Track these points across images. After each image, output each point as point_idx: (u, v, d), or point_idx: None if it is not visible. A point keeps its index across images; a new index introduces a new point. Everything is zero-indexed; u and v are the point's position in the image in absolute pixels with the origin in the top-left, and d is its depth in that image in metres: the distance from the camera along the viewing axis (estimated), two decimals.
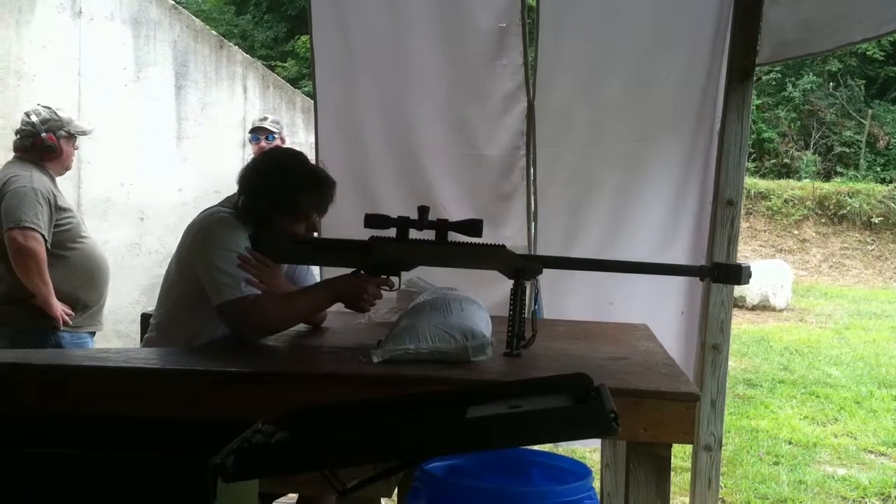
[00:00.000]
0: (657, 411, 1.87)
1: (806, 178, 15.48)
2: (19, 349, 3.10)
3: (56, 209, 3.65)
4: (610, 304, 3.54)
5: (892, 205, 14.10)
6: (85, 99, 5.51)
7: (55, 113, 3.76)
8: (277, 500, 2.71)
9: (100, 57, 5.63)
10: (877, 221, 13.97)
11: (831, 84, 17.20)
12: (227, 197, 2.55)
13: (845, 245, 13.79)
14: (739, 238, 3.50)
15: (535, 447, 2.04)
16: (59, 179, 3.83)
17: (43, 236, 3.57)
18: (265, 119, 5.05)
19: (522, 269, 2.30)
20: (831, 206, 14.25)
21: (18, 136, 3.75)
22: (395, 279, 2.44)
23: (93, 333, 3.86)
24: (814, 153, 16.57)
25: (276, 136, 4.95)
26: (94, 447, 1.45)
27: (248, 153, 5.48)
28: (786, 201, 14.29)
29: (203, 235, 2.38)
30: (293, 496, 2.77)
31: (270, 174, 2.45)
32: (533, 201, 3.68)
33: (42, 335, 3.59)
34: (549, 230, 3.66)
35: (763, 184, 14.82)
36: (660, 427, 1.87)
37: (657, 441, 1.89)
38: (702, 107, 3.52)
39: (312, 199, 2.46)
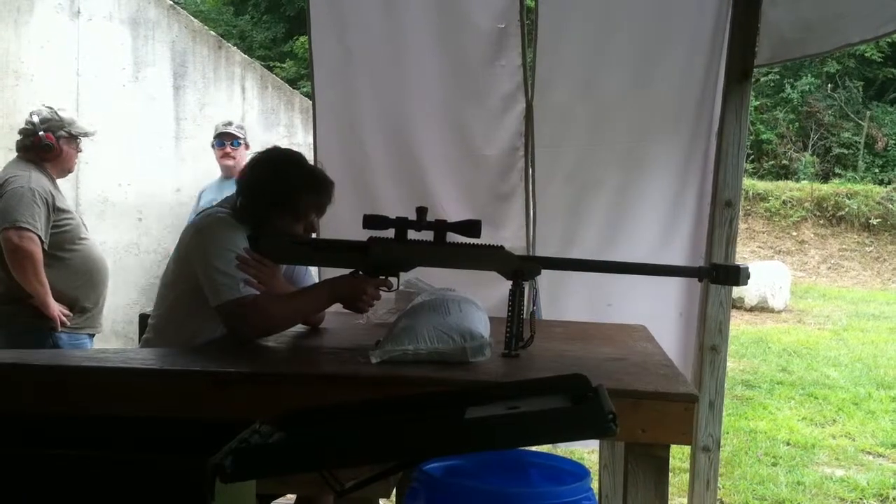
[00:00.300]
0: (655, 412, 1.87)
1: (804, 179, 15.48)
2: (18, 350, 3.09)
3: (54, 210, 3.65)
4: (609, 306, 3.55)
5: (891, 206, 14.11)
6: (83, 99, 5.50)
7: (56, 113, 3.76)
8: (276, 501, 2.70)
9: (98, 57, 5.62)
10: (875, 223, 13.97)
11: (829, 85, 17.20)
12: (226, 197, 2.55)
13: (843, 246, 13.79)
14: (738, 239, 3.50)
15: (534, 448, 2.04)
16: (58, 180, 3.82)
17: (39, 237, 3.56)
18: (229, 124, 4.96)
19: (521, 270, 2.30)
20: (830, 208, 14.26)
21: (21, 135, 3.77)
22: (393, 280, 2.43)
23: (92, 336, 3.85)
24: (812, 154, 16.58)
25: (241, 141, 4.88)
26: (93, 447, 1.45)
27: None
28: (784, 202, 14.30)
29: (201, 236, 2.38)
30: (291, 497, 2.77)
31: (269, 175, 2.45)
32: (531, 202, 3.68)
33: (40, 336, 3.58)
34: (548, 231, 3.66)
35: (761, 185, 14.83)
36: (658, 428, 1.87)
37: (655, 442, 1.89)
38: (700, 108, 3.53)
39: (311, 200, 2.46)
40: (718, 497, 3.79)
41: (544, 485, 2.04)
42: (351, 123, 3.68)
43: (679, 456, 4.32)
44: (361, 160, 3.67)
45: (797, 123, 17.10)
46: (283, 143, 5.54)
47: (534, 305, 2.33)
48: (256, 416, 1.51)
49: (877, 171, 16.22)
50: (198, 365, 2.09)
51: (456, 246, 2.31)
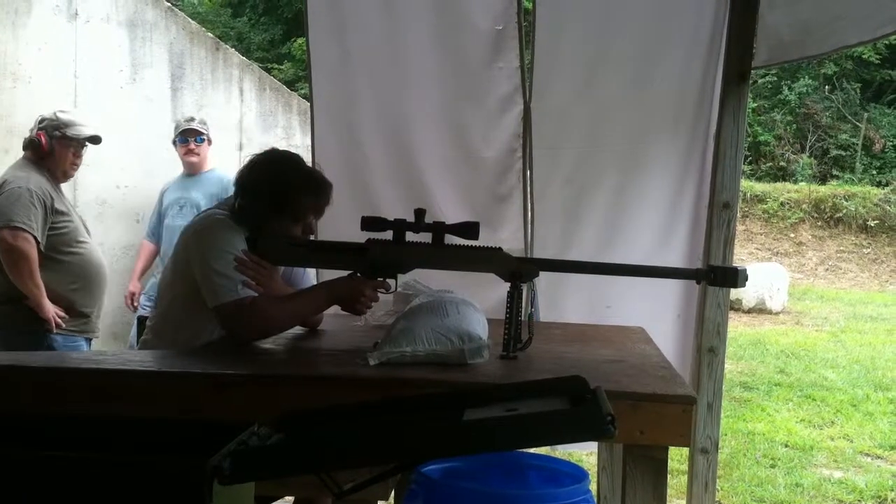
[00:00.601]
0: (654, 414, 1.87)
1: (802, 181, 15.50)
2: (16, 351, 3.09)
3: (52, 212, 3.64)
4: (607, 308, 3.55)
5: (888, 208, 14.12)
6: (81, 101, 5.48)
7: (56, 114, 3.75)
8: (274, 503, 2.70)
9: (96, 59, 5.61)
10: (872, 224, 13.99)
11: (827, 87, 17.23)
12: (224, 199, 2.55)
13: (841, 248, 13.80)
14: (736, 241, 3.50)
15: (532, 450, 2.04)
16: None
17: (35, 237, 3.55)
18: (192, 120, 4.85)
19: (519, 271, 2.30)
20: (827, 210, 14.27)
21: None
22: (391, 282, 2.44)
23: (89, 340, 3.83)
24: (810, 156, 16.60)
25: (204, 137, 4.78)
26: (92, 449, 1.45)
27: (245, 155, 5.46)
28: (782, 204, 14.31)
29: (199, 237, 2.38)
30: (290, 499, 2.77)
31: (267, 176, 2.45)
32: (529, 203, 3.68)
33: (36, 337, 3.58)
34: (546, 232, 3.66)
35: (759, 187, 14.84)
36: (656, 430, 1.87)
37: (654, 444, 1.89)
38: (698, 109, 3.53)
39: (309, 202, 2.46)
40: (717, 499, 3.79)
41: (543, 487, 2.03)
42: (349, 125, 3.68)
43: (677, 458, 4.32)
44: (360, 162, 3.67)
45: (795, 125, 17.11)
46: (282, 145, 5.53)
47: (532, 307, 2.33)
48: (255, 417, 1.51)
49: (874, 172, 16.24)
50: (196, 367, 2.09)
51: (454, 248, 2.31)
